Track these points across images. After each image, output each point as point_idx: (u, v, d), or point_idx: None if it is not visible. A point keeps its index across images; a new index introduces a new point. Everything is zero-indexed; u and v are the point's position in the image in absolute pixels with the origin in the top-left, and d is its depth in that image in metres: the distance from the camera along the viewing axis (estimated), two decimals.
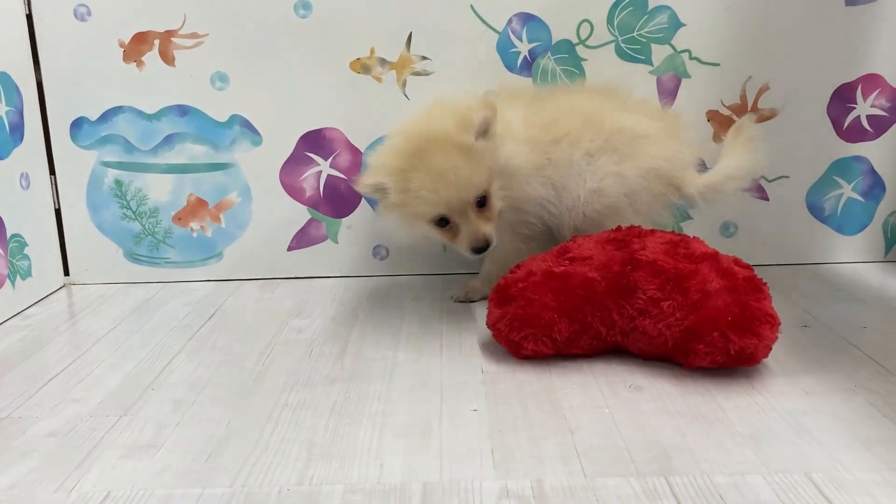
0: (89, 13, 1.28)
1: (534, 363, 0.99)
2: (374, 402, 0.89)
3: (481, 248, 1.09)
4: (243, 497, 0.71)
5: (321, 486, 0.73)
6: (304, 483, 0.73)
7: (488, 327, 1.03)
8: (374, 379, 0.96)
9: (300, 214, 1.37)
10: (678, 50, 1.30)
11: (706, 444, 0.78)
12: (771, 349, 0.94)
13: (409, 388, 0.93)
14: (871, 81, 1.31)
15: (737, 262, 0.99)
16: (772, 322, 0.93)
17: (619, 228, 1.08)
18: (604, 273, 0.99)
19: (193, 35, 1.29)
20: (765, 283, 0.96)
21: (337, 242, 1.38)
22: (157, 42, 1.30)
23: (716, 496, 0.69)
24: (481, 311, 1.19)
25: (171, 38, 1.30)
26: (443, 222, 1.10)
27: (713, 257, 0.98)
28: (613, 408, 0.87)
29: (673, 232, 1.06)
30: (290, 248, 1.39)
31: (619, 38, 1.30)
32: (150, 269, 1.40)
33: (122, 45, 1.30)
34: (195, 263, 1.39)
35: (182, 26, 1.29)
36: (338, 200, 1.36)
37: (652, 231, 1.05)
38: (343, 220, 1.37)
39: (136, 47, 1.30)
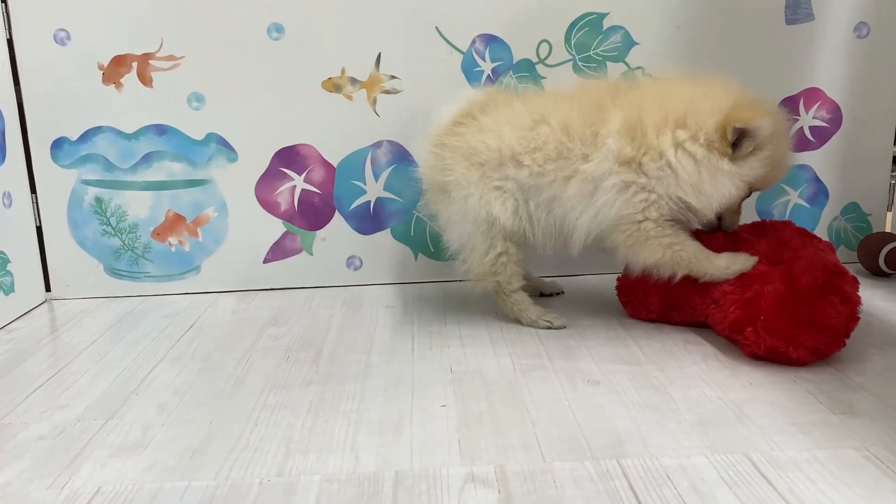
0: (69, 37, 1.33)
1: (499, 363, 1.05)
2: (349, 402, 0.95)
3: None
4: (227, 488, 0.76)
5: (299, 476, 0.78)
6: (284, 474, 0.79)
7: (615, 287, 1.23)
8: (348, 380, 1.01)
9: (275, 228, 1.42)
10: (632, 67, 1.38)
11: (656, 430, 0.85)
12: (822, 353, 1.00)
13: (382, 387, 0.99)
14: (812, 95, 1.40)
15: (825, 267, 1.01)
16: (818, 328, 0.98)
17: (763, 222, 1.18)
18: None
19: (170, 57, 1.35)
20: (840, 293, 0.99)
21: (312, 254, 1.44)
22: (135, 64, 1.35)
23: (663, 476, 0.76)
24: (452, 316, 1.26)
25: (149, 61, 1.35)
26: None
27: (794, 261, 1.04)
28: (572, 400, 0.93)
29: (802, 229, 1.14)
30: (266, 261, 1.44)
31: (577, 57, 1.37)
32: (130, 283, 1.44)
33: (101, 67, 1.35)
34: (174, 277, 1.44)
35: (159, 49, 1.34)
36: (312, 214, 1.42)
37: (773, 228, 1.14)
38: (317, 232, 1.43)
39: (114, 69, 1.35)
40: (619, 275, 1.23)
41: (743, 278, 1.06)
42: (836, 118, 1.42)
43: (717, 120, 1.03)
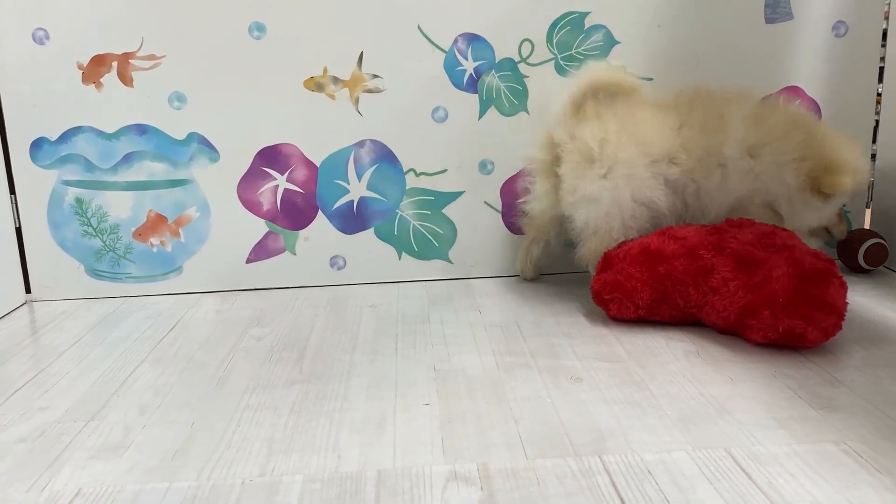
0: (48, 36, 1.32)
1: (482, 362, 1.05)
2: (332, 401, 0.95)
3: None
4: (209, 489, 0.76)
5: (282, 476, 0.78)
6: (266, 475, 0.78)
7: (591, 289, 1.20)
8: (331, 380, 1.01)
9: (258, 228, 1.42)
10: (614, 66, 1.38)
11: (638, 427, 0.85)
12: (829, 334, 1.04)
13: (365, 387, 0.99)
14: (792, 93, 1.41)
15: (816, 255, 1.08)
16: (829, 309, 1.02)
17: (727, 219, 1.20)
18: (689, 253, 1.12)
19: (151, 57, 1.34)
20: (837, 277, 1.05)
21: (295, 254, 1.43)
22: (115, 64, 1.34)
23: (644, 471, 0.76)
24: (435, 314, 1.26)
25: (129, 60, 1.34)
26: None
27: (791, 249, 1.08)
28: (555, 398, 0.93)
29: (773, 225, 1.16)
30: (248, 261, 1.43)
31: (559, 56, 1.38)
32: (111, 284, 1.43)
33: (80, 67, 1.34)
34: (156, 278, 1.43)
35: (140, 48, 1.34)
36: (295, 213, 1.42)
37: (752, 223, 1.16)
38: (300, 232, 1.43)
39: (94, 69, 1.34)
40: (593, 276, 1.22)
41: (741, 265, 1.08)
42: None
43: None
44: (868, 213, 1.51)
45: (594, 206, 1.22)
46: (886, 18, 1.42)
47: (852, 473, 0.75)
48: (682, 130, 1.23)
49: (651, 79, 1.39)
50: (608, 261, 1.19)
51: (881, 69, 1.44)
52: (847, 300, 1.06)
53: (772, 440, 0.81)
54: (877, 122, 1.46)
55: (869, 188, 1.50)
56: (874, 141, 1.48)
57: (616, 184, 1.20)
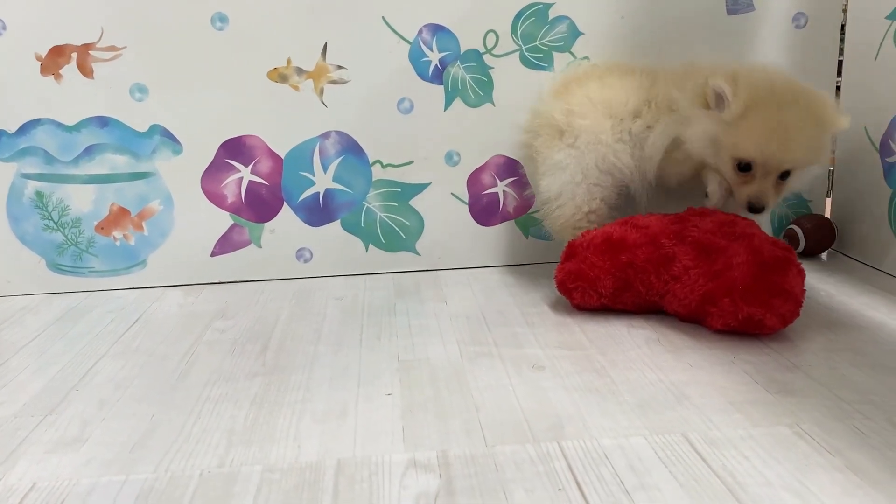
0: (4, 27, 1.30)
1: (446, 351, 1.06)
2: (294, 392, 0.95)
3: (758, 208, 1.13)
4: (166, 481, 0.76)
5: (241, 467, 0.78)
6: (225, 465, 0.78)
7: (555, 278, 1.20)
8: (294, 371, 1.01)
9: (222, 220, 1.41)
10: (578, 57, 1.39)
11: (597, 413, 0.86)
12: (787, 321, 1.05)
13: (328, 378, 0.99)
14: None
15: (775, 243, 1.10)
16: (786, 296, 1.04)
17: (689, 208, 1.20)
18: (651, 241, 1.13)
19: (111, 48, 1.32)
20: (795, 264, 1.07)
21: (260, 247, 1.43)
22: (74, 55, 1.32)
23: (602, 456, 0.77)
24: (401, 305, 1.26)
25: (89, 52, 1.32)
26: (745, 167, 1.11)
27: (750, 237, 1.09)
28: (516, 386, 0.94)
29: (733, 214, 1.16)
30: (213, 254, 1.42)
31: (523, 47, 1.38)
32: (73, 278, 1.41)
33: (38, 58, 1.31)
34: (119, 272, 1.41)
35: (99, 39, 1.32)
36: (260, 205, 1.41)
37: (714, 212, 1.17)
38: (265, 224, 1.42)
39: (53, 60, 1.32)
40: (557, 265, 1.22)
41: (701, 253, 1.09)
42: None
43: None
44: (829, 202, 1.53)
45: (560, 173, 1.24)
46: (845, 12, 1.44)
47: (805, 455, 0.76)
48: (653, 88, 1.23)
49: None
50: (572, 250, 1.20)
51: (840, 62, 1.46)
52: (805, 287, 1.07)
53: (728, 424, 0.83)
54: None
55: (829, 177, 1.53)
56: None
57: (581, 151, 1.22)
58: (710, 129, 1.12)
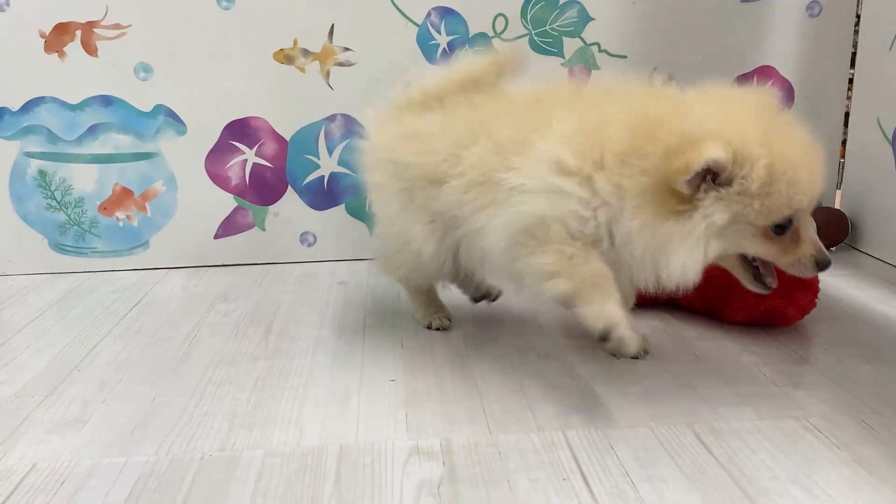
0: (8, 4, 1.28)
1: (450, 338, 1.05)
2: (296, 377, 0.94)
3: (828, 261, 0.82)
4: (167, 464, 0.75)
5: (242, 451, 0.77)
6: (226, 449, 0.77)
7: None
8: (296, 356, 1.00)
9: (226, 202, 1.39)
10: (588, 43, 1.37)
11: (603, 402, 0.85)
12: (806, 312, 1.05)
13: (331, 363, 0.98)
14: (766, 73, 1.41)
15: None
16: (805, 287, 1.03)
17: None
18: None
19: (116, 26, 1.31)
20: None
21: (264, 230, 1.41)
22: (79, 32, 1.30)
23: (606, 446, 0.76)
24: (405, 291, 1.25)
25: (94, 29, 1.30)
26: (783, 228, 0.80)
27: None
28: (522, 374, 0.93)
29: None
30: (216, 236, 1.41)
31: (533, 32, 1.36)
32: (76, 259, 1.40)
33: (42, 35, 1.30)
34: (122, 253, 1.40)
35: (104, 17, 1.30)
36: (264, 188, 1.39)
37: None
38: (269, 207, 1.41)
39: (57, 37, 1.30)
40: None
41: None
42: (788, 96, 1.43)
43: None
44: (838, 194, 1.51)
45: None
46: (859, 3, 1.42)
47: (812, 449, 0.75)
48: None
49: (625, 56, 1.38)
50: None
51: (853, 54, 1.44)
52: (819, 277, 1.06)
53: (734, 416, 0.82)
54: (848, 106, 1.47)
55: (839, 170, 1.51)
56: (846, 124, 1.48)
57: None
58: (719, 218, 0.78)
